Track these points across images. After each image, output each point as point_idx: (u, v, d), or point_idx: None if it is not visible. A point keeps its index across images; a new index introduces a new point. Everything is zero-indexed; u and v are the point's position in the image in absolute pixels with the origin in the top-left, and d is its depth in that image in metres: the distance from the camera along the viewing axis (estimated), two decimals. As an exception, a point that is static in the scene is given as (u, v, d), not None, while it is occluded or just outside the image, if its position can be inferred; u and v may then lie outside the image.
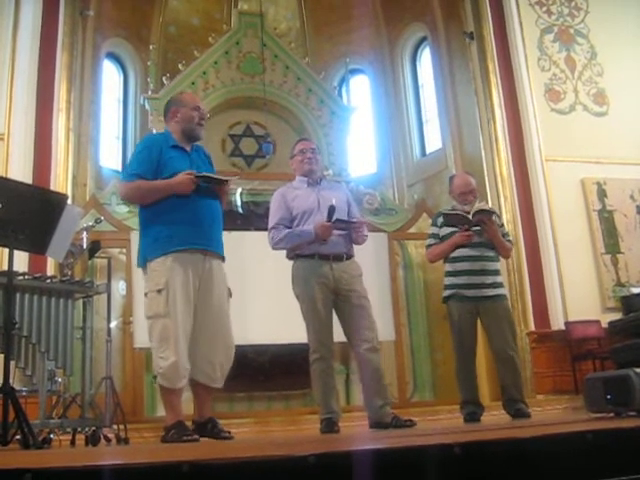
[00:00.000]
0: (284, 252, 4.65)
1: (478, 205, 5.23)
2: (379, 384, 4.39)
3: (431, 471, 1.79)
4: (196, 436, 3.79)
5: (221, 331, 4.09)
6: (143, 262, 4.07)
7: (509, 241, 5.28)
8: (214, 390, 4.15)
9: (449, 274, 5.13)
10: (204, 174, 4.02)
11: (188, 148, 4.22)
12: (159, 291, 3.92)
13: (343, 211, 4.59)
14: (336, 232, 4.44)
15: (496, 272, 5.12)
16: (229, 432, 4.02)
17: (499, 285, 5.10)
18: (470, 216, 4.98)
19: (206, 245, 4.05)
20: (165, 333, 3.88)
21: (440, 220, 5.20)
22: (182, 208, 3.99)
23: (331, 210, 4.38)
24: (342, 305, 4.48)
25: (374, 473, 1.73)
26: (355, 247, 4.67)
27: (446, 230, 5.11)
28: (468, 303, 4.99)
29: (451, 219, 5.07)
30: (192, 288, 3.97)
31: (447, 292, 5.13)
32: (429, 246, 5.25)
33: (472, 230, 4.97)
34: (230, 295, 4.24)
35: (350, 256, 4.59)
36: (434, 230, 5.24)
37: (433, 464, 1.79)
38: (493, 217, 5.14)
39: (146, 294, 4.03)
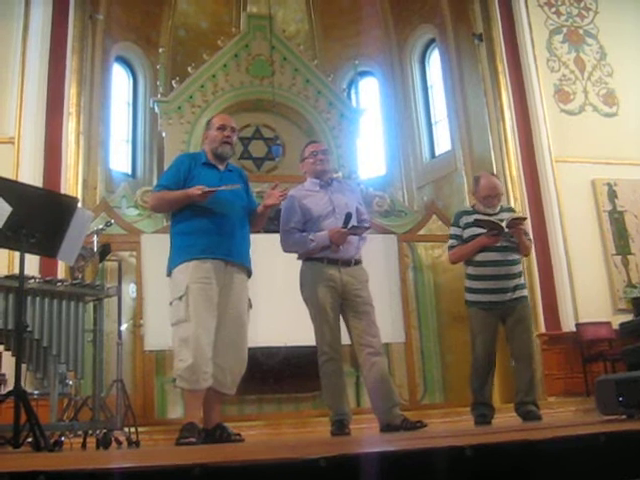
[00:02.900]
0: (293, 254, 4.65)
1: (513, 214, 5.19)
2: (385, 386, 4.37)
3: (442, 473, 1.78)
4: (192, 439, 3.80)
5: (235, 340, 4.14)
6: (169, 271, 4.19)
7: (529, 239, 5.25)
8: (223, 396, 4.17)
9: (473, 278, 5.04)
10: (213, 189, 4.08)
11: (221, 167, 4.36)
12: (180, 297, 4.01)
13: (353, 212, 4.59)
14: (350, 238, 4.44)
15: (520, 274, 5.07)
16: (239, 434, 4.03)
17: (522, 287, 5.06)
18: (504, 224, 4.91)
19: (226, 255, 4.13)
20: (185, 336, 3.95)
21: (463, 221, 5.08)
22: (205, 219, 4.12)
23: (348, 217, 4.38)
24: (347, 310, 4.48)
25: (385, 476, 1.73)
26: (364, 249, 4.66)
27: (470, 232, 5.01)
28: (492, 310, 4.95)
29: (483, 224, 4.98)
30: (214, 294, 4.05)
31: (471, 297, 5.05)
32: (452, 247, 5.14)
33: (502, 235, 4.91)
34: (250, 306, 4.30)
35: (358, 261, 4.58)
36: (456, 231, 5.13)
37: (444, 466, 1.78)
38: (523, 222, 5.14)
39: (171, 303, 4.11)
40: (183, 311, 3.98)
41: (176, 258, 4.14)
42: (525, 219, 5.28)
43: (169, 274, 4.19)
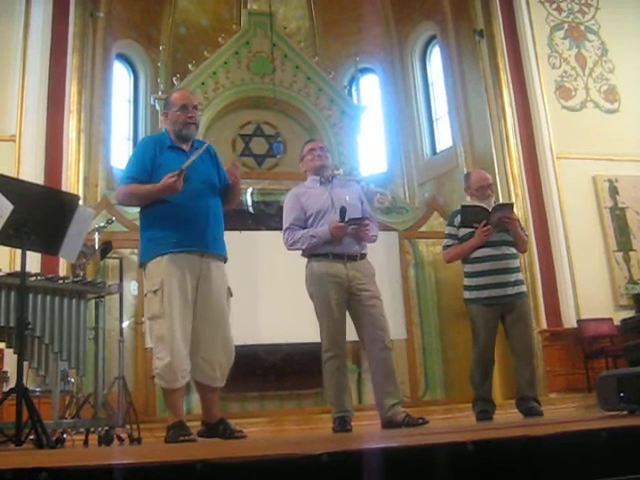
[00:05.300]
0: (295, 251, 4.64)
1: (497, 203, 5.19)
2: (391, 383, 4.38)
3: (444, 469, 1.78)
4: (193, 436, 3.78)
5: (220, 331, 4.05)
6: (141, 263, 4.12)
7: (525, 234, 5.25)
8: (217, 390, 4.11)
9: (471, 275, 5.02)
10: (183, 168, 3.88)
11: (186, 147, 4.19)
12: (155, 292, 3.92)
13: (357, 208, 4.58)
14: (351, 230, 4.42)
15: (518, 269, 5.05)
16: (241, 431, 4.00)
17: (521, 282, 5.04)
18: (490, 209, 4.91)
19: (201, 246, 4.01)
20: (161, 333, 3.88)
21: (458, 220, 5.08)
22: (176, 209, 3.98)
23: (343, 211, 4.37)
24: (355, 304, 4.47)
25: (386, 471, 1.73)
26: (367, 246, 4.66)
27: (465, 230, 5.00)
28: (493, 305, 4.92)
29: (470, 212, 4.96)
30: (189, 288, 3.95)
31: (470, 294, 5.02)
32: (447, 247, 5.14)
33: (492, 223, 4.88)
34: (231, 295, 4.19)
35: (363, 255, 4.58)
36: (451, 230, 5.12)
37: (446, 462, 1.79)
38: (513, 209, 5.13)
39: (146, 295, 4.06)
40: (158, 306, 3.89)
41: (149, 251, 4.02)
42: (512, 204, 5.28)
43: (141, 266, 4.11)
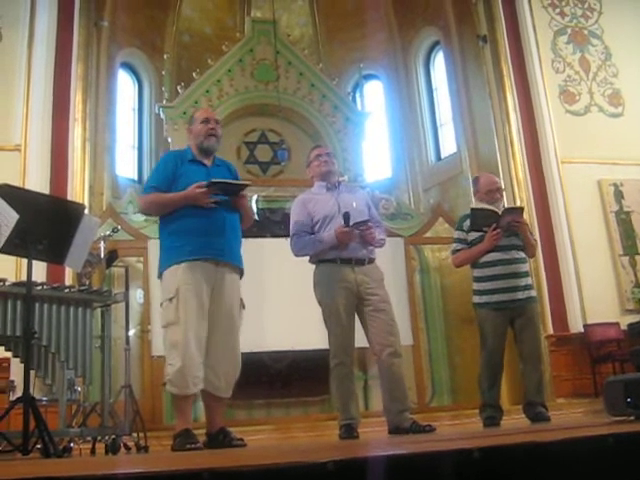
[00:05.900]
0: (301, 258, 4.64)
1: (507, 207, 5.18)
2: (400, 390, 4.37)
3: (451, 476, 1.78)
4: (200, 444, 3.78)
5: (228, 341, 4.06)
6: (160, 273, 4.14)
7: (534, 239, 5.24)
8: (222, 400, 4.11)
9: (480, 280, 4.99)
10: (213, 181, 4.02)
11: (207, 162, 4.27)
12: (170, 299, 3.95)
13: (364, 214, 4.57)
14: (358, 234, 4.42)
15: (527, 274, 5.03)
16: (241, 439, 3.97)
17: (531, 287, 5.01)
18: (500, 212, 4.90)
19: (217, 255, 4.05)
20: (174, 339, 3.90)
21: (467, 224, 5.05)
22: (193, 219, 4.03)
23: (346, 216, 4.37)
24: (364, 309, 4.45)
25: (393, 479, 1.73)
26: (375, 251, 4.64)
27: (474, 235, 4.98)
28: (502, 310, 4.89)
29: (480, 215, 4.93)
30: (205, 297, 3.98)
31: (480, 298, 4.99)
32: (456, 251, 5.11)
33: (501, 227, 4.86)
34: (243, 307, 4.22)
35: (372, 260, 4.57)
36: (460, 235, 5.09)
37: (453, 469, 1.78)
38: (523, 213, 5.12)
39: (161, 304, 4.07)
40: (173, 314, 3.92)
41: (166, 260, 4.07)
42: (522, 208, 5.27)
43: (160, 276, 4.14)
